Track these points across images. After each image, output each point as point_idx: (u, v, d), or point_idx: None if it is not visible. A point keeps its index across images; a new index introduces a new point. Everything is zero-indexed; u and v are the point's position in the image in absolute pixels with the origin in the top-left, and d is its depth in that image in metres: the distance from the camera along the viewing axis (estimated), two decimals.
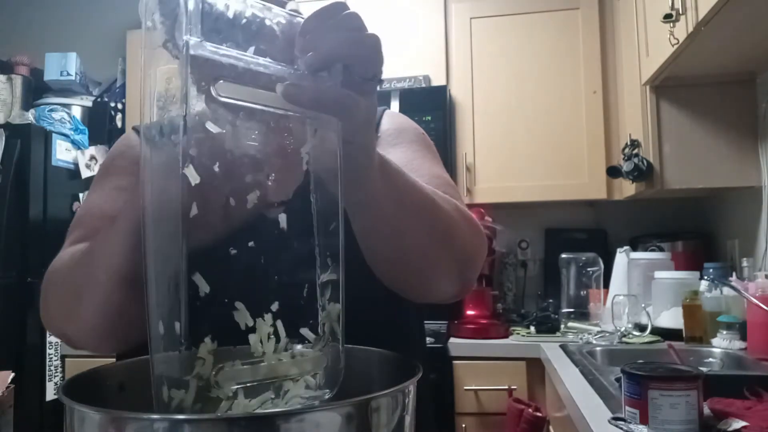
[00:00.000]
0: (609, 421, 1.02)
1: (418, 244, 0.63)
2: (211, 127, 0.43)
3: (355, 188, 0.50)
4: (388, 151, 0.73)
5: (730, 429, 0.94)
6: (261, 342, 0.47)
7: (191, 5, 0.41)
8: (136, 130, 0.83)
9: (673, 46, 1.65)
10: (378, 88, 0.50)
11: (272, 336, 0.48)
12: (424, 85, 2.43)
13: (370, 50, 0.47)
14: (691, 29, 1.52)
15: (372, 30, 0.48)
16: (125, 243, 0.54)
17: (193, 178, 0.42)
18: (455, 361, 2.08)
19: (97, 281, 0.59)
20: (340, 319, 0.48)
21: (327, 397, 0.48)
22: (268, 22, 0.47)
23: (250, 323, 0.47)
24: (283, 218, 0.51)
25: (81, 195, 2.66)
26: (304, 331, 0.49)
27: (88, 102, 2.88)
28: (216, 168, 0.45)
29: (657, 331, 1.95)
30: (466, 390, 2.05)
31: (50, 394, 2.40)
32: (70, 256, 0.68)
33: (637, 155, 2.05)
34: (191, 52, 0.40)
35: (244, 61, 0.43)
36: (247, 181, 0.49)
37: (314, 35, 0.46)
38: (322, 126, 0.48)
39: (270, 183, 0.51)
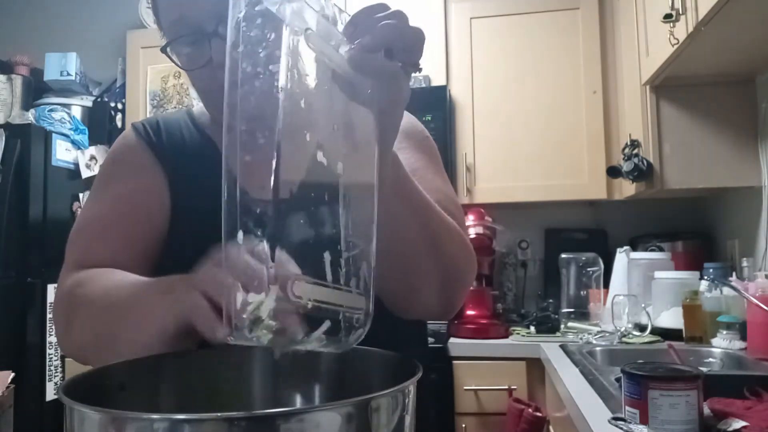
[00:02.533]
0: (609, 421, 1.02)
1: (407, 236, 0.64)
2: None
3: None
4: None
5: (730, 429, 0.94)
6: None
7: None
8: (135, 127, 0.81)
9: (673, 46, 1.65)
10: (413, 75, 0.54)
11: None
12: (424, 85, 2.42)
13: (416, 40, 0.53)
14: (691, 29, 1.52)
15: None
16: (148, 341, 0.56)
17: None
18: (455, 361, 2.08)
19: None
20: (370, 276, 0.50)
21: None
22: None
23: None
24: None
25: (81, 195, 2.66)
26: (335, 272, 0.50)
27: (88, 102, 2.88)
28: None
29: (657, 331, 1.95)
30: (466, 390, 2.05)
31: (50, 394, 2.40)
32: (88, 312, 0.65)
33: (637, 155, 2.05)
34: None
35: (323, 22, 0.49)
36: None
37: (366, 24, 0.51)
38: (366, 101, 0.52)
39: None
